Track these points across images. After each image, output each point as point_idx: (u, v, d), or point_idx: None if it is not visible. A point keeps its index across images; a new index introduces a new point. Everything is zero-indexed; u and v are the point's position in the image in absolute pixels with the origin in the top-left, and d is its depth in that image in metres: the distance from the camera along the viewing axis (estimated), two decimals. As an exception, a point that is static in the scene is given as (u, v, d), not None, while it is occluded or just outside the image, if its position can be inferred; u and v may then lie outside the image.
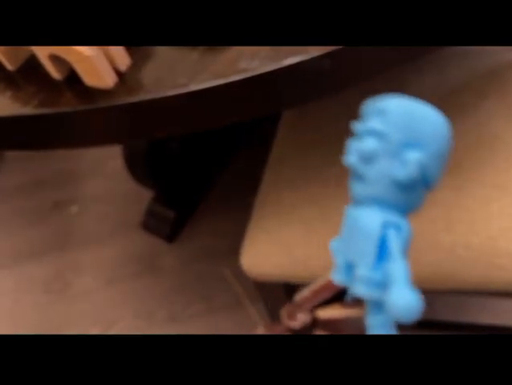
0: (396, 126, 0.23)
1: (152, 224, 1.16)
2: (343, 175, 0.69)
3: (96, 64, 0.45)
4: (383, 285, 0.22)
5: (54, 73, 0.48)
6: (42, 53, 0.47)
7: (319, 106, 0.76)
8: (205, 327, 1.01)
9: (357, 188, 0.24)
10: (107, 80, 0.46)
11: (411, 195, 0.24)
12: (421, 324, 0.81)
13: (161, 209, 1.15)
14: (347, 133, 0.73)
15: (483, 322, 0.81)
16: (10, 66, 0.50)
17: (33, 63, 0.50)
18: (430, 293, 0.64)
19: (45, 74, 0.49)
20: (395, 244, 0.22)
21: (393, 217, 0.22)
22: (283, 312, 0.24)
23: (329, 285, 0.23)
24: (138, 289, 1.12)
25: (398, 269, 0.22)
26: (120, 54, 0.47)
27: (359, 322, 0.23)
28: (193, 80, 0.45)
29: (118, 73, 0.47)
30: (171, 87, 0.46)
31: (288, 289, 0.75)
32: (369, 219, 0.22)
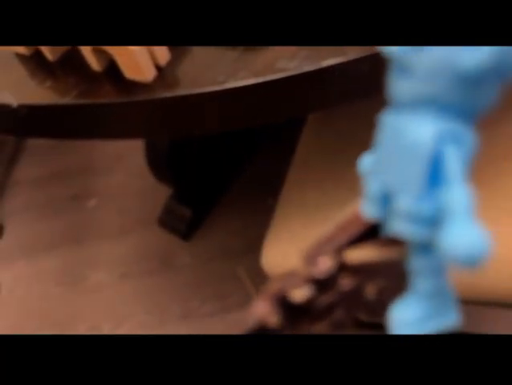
0: None
1: (168, 221, 1.17)
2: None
3: (138, 58, 0.46)
4: (434, 220, 0.16)
5: (95, 65, 0.49)
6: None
7: (344, 110, 0.77)
8: (218, 326, 1.01)
9: (401, 86, 0.16)
10: (147, 74, 0.47)
11: (479, 92, 0.16)
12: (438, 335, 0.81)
13: (178, 207, 1.16)
14: (371, 139, 0.73)
15: (502, 333, 0.80)
16: (50, 57, 0.51)
17: (73, 54, 0.51)
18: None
19: (85, 66, 0.50)
20: (454, 164, 0.16)
21: (453, 126, 0.16)
22: (302, 256, 0.18)
23: (359, 219, 0.17)
24: (152, 286, 1.12)
25: (458, 198, 0.16)
26: (161, 50, 0.47)
27: (398, 266, 0.17)
28: (231, 78, 0.46)
29: (157, 68, 0.48)
30: (208, 83, 0.47)
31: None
32: (418, 129, 0.15)
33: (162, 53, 0.47)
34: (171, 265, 1.14)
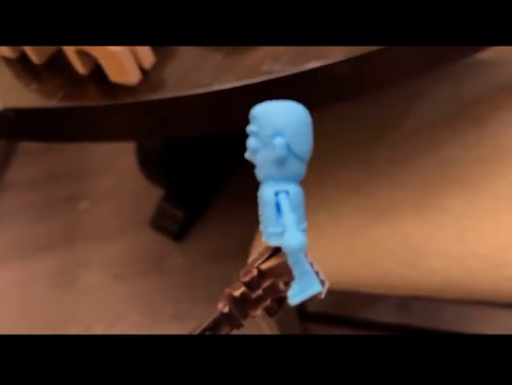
0: (262, 124, 0.32)
1: (161, 222, 1.17)
2: (356, 180, 0.70)
3: (122, 61, 0.46)
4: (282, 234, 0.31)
5: (80, 68, 0.49)
6: (70, 48, 0.48)
7: (333, 111, 0.77)
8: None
9: (257, 173, 0.32)
10: (132, 77, 0.47)
11: (290, 167, 0.31)
12: (426, 333, 0.81)
13: (171, 208, 1.16)
14: (360, 139, 0.74)
15: (488, 333, 0.81)
16: (36, 60, 0.51)
17: (59, 57, 0.51)
18: (438, 302, 0.65)
19: (70, 69, 0.50)
20: (284, 204, 0.30)
21: (282, 185, 0.31)
22: (240, 272, 0.32)
23: (268, 247, 0.31)
24: (144, 287, 1.13)
25: (288, 220, 0.30)
26: (145, 52, 0.48)
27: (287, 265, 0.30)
28: (216, 80, 0.46)
29: (142, 70, 0.48)
30: (194, 86, 0.47)
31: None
32: (267, 191, 0.31)
33: (147, 56, 0.48)
34: (163, 267, 1.14)
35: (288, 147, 0.32)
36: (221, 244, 1.12)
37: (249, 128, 0.33)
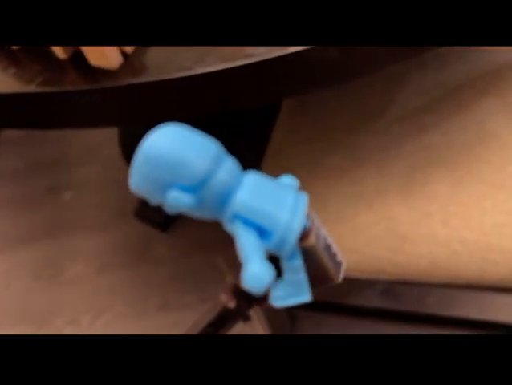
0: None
1: (145, 212, 1.16)
2: (342, 167, 0.70)
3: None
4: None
5: (60, 52, 0.48)
6: (48, 31, 0.46)
7: (319, 99, 0.76)
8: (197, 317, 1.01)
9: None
10: (113, 61, 0.46)
11: (208, 206, 0.30)
12: (413, 317, 0.82)
13: (156, 198, 1.15)
14: (346, 126, 0.73)
15: (475, 317, 0.82)
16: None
17: (37, 42, 0.49)
18: (424, 286, 0.65)
19: (49, 53, 0.48)
20: (238, 234, 0.30)
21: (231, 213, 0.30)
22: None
23: None
24: (130, 278, 1.12)
25: (244, 254, 0.29)
26: (127, 35, 0.46)
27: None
28: (199, 64, 0.45)
29: (124, 54, 0.47)
30: (176, 69, 0.46)
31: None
32: (227, 227, 0.31)
33: (128, 39, 0.47)
34: (149, 257, 1.13)
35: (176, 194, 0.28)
36: (207, 233, 1.12)
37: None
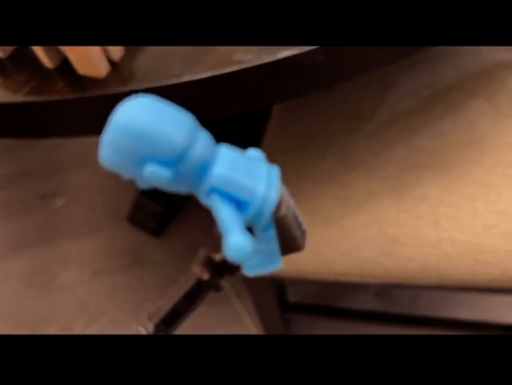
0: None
1: (139, 217, 1.16)
2: (332, 170, 0.70)
3: (90, 53, 0.45)
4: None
5: (47, 61, 0.47)
6: (35, 40, 0.46)
7: (309, 102, 0.76)
8: (191, 322, 1.01)
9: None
10: (100, 69, 0.46)
11: (184, 180, 0.29)
12: (405, 319, 0.82)
13: (149, 203, 1.14)
14: (336, 130, 0.73)
15: (465, 317, 0.82)
16: (0, 54, 0.50)
17: (24, 51, 0.49)
18: (415, 288, 0.65)
19: (36, 62, 0.48)
20: (215, 204, 0.29)
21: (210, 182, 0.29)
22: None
23: None
24: (124, 283, 1.11)
25: (222, 224, 0.29)
26: (114, 44, 0.46)
27: None
28: (187, 71, 0.45)
29: (111, 62, 0.47)
30: (164, 77, 0.46)
31: (275, 284, 0.75)
32: (202, 199, 0.30)
33: (115, 48, 0.46)
34: (142, 262, 1.13)
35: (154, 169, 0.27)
36: (200, 238, 1.11)
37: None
